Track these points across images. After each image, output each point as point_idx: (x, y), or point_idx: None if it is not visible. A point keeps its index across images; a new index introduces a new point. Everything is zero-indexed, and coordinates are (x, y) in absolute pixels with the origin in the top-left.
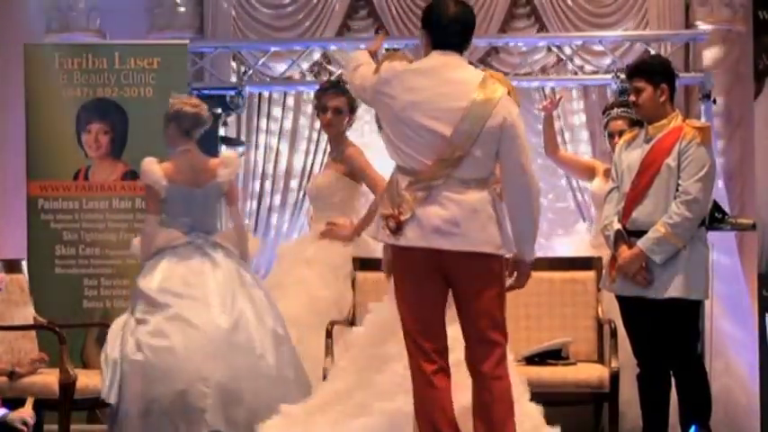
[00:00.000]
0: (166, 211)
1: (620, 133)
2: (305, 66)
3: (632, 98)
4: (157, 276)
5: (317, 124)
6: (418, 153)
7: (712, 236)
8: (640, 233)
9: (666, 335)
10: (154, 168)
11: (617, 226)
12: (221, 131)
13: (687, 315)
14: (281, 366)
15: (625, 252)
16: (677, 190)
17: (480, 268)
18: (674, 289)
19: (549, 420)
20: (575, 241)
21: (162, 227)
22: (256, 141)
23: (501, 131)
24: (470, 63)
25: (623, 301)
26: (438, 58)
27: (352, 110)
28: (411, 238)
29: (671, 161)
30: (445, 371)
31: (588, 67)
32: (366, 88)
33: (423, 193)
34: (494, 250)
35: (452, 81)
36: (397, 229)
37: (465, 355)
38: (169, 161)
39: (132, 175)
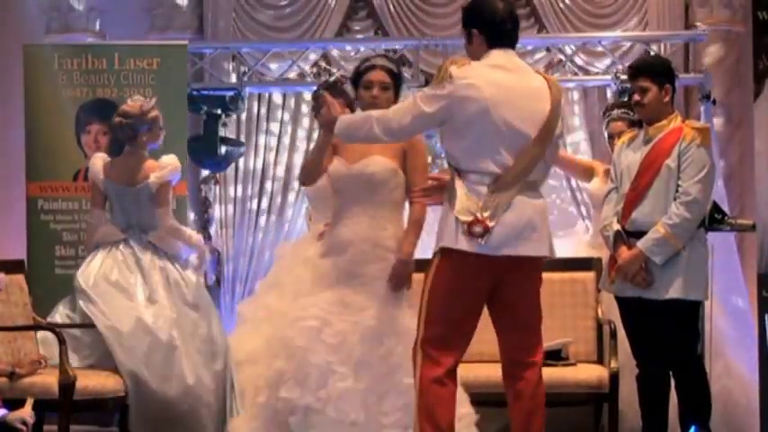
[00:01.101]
0: (108, 208)
1: (620, 134)
2: (304, 66)
3: (637, 98)
4: (89, 270)
5: (317, 125)
6: (501, 154)
7: (712, 236)
8: (640, 234)
9: (666, 336)
10: (96, 163)
11: (616, 227)
12: (221, 132)
13: (687, 316)
14: (196, 366)
15: (625, 253)
16: (677, 191)
17: (539, 273)
18: (674, 290)
19: (550, 421)
20: (574, 242)
21: (107, 222)
22: (256, 142)
23: (560, 136)
24: None
25: (622, 301)
26: (504, 57)
27: (351, 111)
28: (496, 245)
29: (671, 162)
30: (455, 375)
31: (588, 68)
32: (428, 108)
33: (506, 196)
34: (553, 254)
35: (530, 81)
36: (484, 234)
37: (507, 363)
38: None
39: None
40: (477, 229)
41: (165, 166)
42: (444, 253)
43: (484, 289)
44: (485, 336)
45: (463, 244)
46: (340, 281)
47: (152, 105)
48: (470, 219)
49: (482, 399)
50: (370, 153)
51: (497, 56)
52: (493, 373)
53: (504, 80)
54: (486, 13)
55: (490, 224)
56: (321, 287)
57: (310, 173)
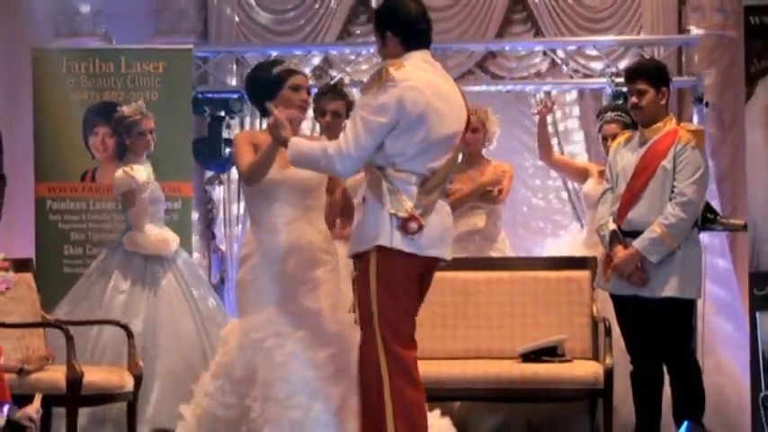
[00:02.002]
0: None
1: (614, 136)
2: (306, 70)
3: (634, 100)
4: None
5: (318, 127)
6: (433, 156)
7: (705, 236)
8: (636, 233)
9: (661, 333)
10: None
11: (612, 226)
12: (224, 134)
13: (681, 313)
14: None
15: (621, 252)
16: (672, 191)
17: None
18: (670, 288)
19: (546, 416)
20: (569, 241)
21: None
22: None
23: None
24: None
25: (618, 299)
26: (424, 57)
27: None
28: (425, 245)
29: (666, 163)
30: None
31: (583, 71)
32: (384, 118)
33: (432, 198)
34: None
35: (452, 84)
36: (418, 230)
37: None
38: None
39: None
40: (413, 225)
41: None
42: (380, 252)
43: (419, 284)
44: (475, 332)
45: (398, 242)
46: (288, 289)
47: (131, 111)
48: (406, 215)
49: (474, 394)
50: None
51: (419, 57)
52: (483, 368)
53: (435, 82)
54: (400, 14)
55: (423, 222)
56: (269, 300)
57: (260, 175)
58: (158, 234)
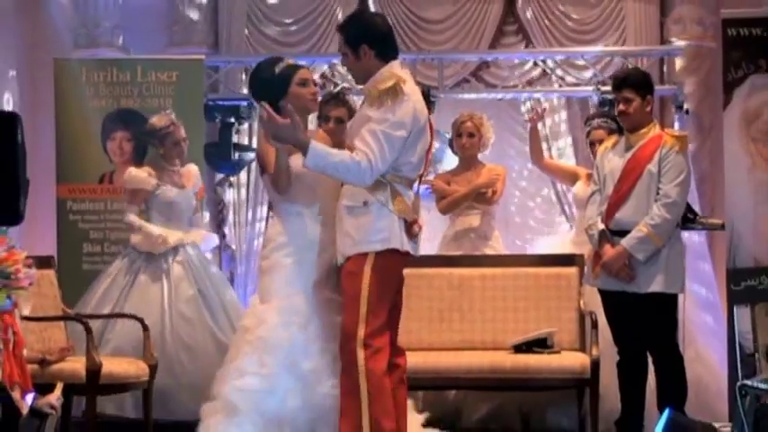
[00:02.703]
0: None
1: (601, 141)
2: None
3: (622, 107)
4: None
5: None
6: (422, 162)
7: (685, 235)
8: (623, 233)
9: (647, 326)
10: None
11: (601, 226)
12: (234, 139)
13: (666, 307)
14: None
15: (609, 250)
16: (657, 193)
17: None
18: (656, 284)
19: (536, 403)
20: (558, 240)
21: None
22: None
23: None
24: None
25: (606, 294)
26: (400, 67)
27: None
28: (418, 247)
29: (652, 167)
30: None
31: (571, 80)
32: (403, 132)
33: (418, 200)
34: None
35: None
36: (418, 233)
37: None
38: None
39: None
40: (416, 228)
41: None
42: (385, 252)
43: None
44: (470, 325)
45: (406, 245)
46: (321, 280)
47: (164, 122)
48: (412, 219)
49: (469, 383)
50: None
51: (398, 67)
52: (477, 359)
53: (418, 92)
54: (374, 28)
55: (421, 223)
56: (297, 288)
57: (284, 183)
58: (151, 232)
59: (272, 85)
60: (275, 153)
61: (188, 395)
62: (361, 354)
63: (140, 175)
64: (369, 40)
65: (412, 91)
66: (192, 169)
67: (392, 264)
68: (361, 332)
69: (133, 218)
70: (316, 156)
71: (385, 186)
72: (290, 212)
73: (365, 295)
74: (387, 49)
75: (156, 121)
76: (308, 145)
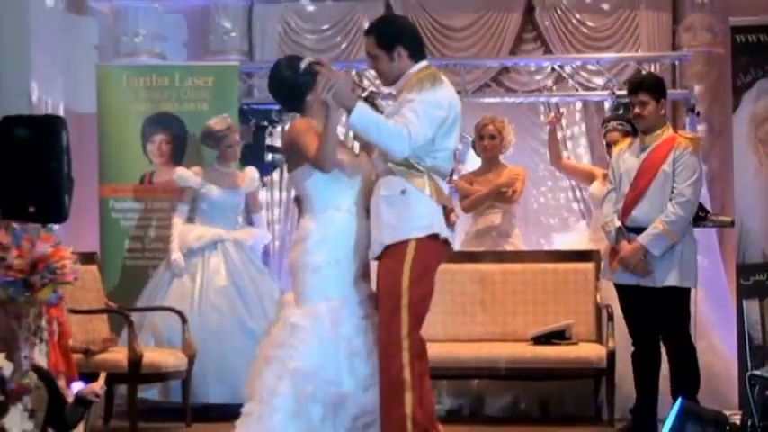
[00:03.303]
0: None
1: (616, 143)
2: None
3: (637, 110)
4: None
5: (351, 133)
6: (452, 155)
7: (696, 231)
8: (639, 230)
9: (661, 318)
10: None
11: (617, 223)
12: (268, 141)
13: (680, 300)
14: None
15: (627, 246)
16: (672, 192)
17: None
18: (670, 278)
19: (555, 392)
20: (575, 237)
21: None
22: None
23: None
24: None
25: (622, 288)
26: (432, 67)
27: None
28: (453, 238)
29: (666, 167)
30: None
31: (587, 85)
32: (442, 112)
33: (450, 198)
34: None
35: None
36: (454, 224)
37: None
38: None
39: None
40: (453, 217)
41: None
42: (422, 241)
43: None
44: (492, 318)
45: (445, 232)
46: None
47: (222, 126)
48: (450, 207)
49: (491, 373)
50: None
51: (427, 65)
52: (499, 350)
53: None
54: (406, 30)
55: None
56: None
57: (332, 155)
58: (187, 230)
59: (299, 80)
60: (327, 117)
61: (214, 379)
62: (405, 345)
63: (186, 173)
64: (404, 41)
65: (447, 82)
66: (249, 172)
67: (433, 249)
68: (405, 328)
69: (176, 220)
70: (362, 113)
71: (422, 174)
72: (328, 207)
73: (406, 284)
74: (418, 51)
75: (214, 123)
76: (355, 101)
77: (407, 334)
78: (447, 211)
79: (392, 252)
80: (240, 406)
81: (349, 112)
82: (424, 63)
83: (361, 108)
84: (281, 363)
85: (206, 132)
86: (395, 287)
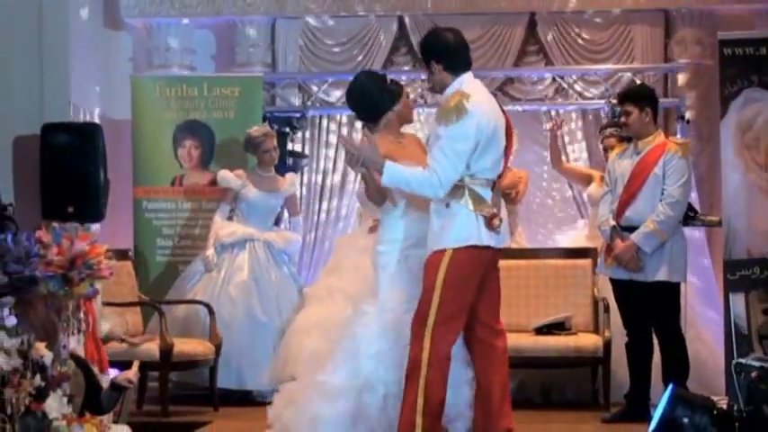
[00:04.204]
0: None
1: (612, 147)
2: None
3: (623, 119)
4: None
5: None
6: (499, 164)
7: (686, 230)
8: (632, 228)
9: (653, 310)
10: None
11: (612, 222)
12: (289, 146)
13: (670, 294)
14: None
15: (620, 244)
16: (662, 194)
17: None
18: (661, 273)
19: (555, 379)
20: (574, 235)
21: None
22: (317, 154)
23: None
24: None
25: (617, 283)
26: (473, 80)
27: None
28: (502, 237)
29: (657, 170)
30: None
31: (586, 94)
32: (465, 146)
33: (499, 196)
34: None
35: (489, 94)
36: (500, 224)
37: (480, 334)
38: None
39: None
40: (497, 221)
41: None
42: (463, 249)
43: (481, 280)
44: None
45: (485, 238)
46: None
47: (259, 133)
48: (491, 213)
49: None
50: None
51: (470, 80)
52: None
53: (487, 98)
54: (440, 44)
55: (501, 216)
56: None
57: (381, 199)
58: (222, 226)
59: (383, 97)
60: (365, 176)
61: (225, 366)
62: (428, 340)
63: (228, 175)
64: (436, 56)
65: (479, 103)
66: (289, 177)
67: (470, 258)
68: (431, 320)
69: (216, 218)
70: (391, 174)
71: (463, 190)
72: (396, 214)
73: (439, 286)
74: (455, 63)
75: (253, 131)
76: (383, 165)
77: (434, 328)
78: (489, 217)
79: (434, 258)
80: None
81: (381, 173)
82: (464, 76)
83: (389, 168)
84: (343, 349)
85: (247, 139)
86: (428, 288)
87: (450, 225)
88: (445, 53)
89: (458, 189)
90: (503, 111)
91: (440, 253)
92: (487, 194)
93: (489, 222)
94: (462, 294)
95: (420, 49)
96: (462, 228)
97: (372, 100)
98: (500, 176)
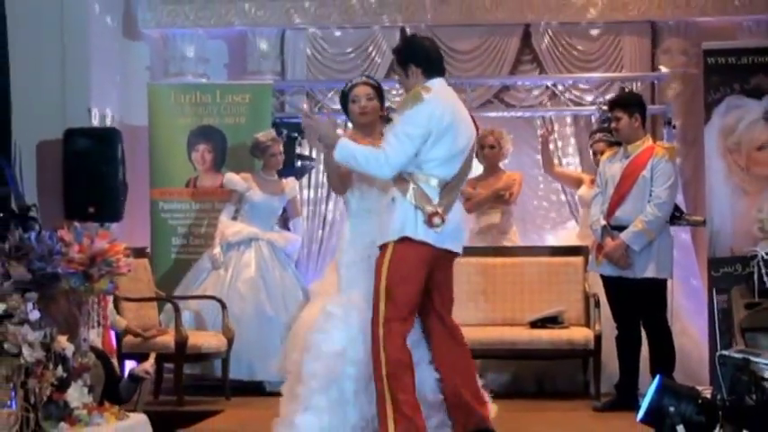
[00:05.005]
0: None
1: (603, 152)
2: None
3: (613, 125)
4: None
5: None
6: (454, 162)
7: (672, 229)
8: (621, 228)
9: (641, 305)
10: None
11: (603, 222)
12: (297, 150)
13: (657, 290)
14: None
15: (610, 242)
16: (650, 195)
17: (452, 265)
18: (649, 270)
19: (548, 371)
20: (566, 234)
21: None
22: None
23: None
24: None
25: (607, 279)
26: (443, 84)
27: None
28: (442, 238)
29: (646, 173)
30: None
31: (577, 101)
32: (416, 130)
33: (450, 198)
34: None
35: (462, 104)
36: (441, 224)
37: (435, 334)
38: None
39: None
40: (437, 220)
41: None
42: (400, 241)
43: (427, 273)
44: (492, 305)
45: (422, 234)
46: None
47: (266, 138)
48: (432, 210)
49: (492, 353)
50: None
51: (440, 83)
52: (499, 333)
53: (454, 104)
54: (420, 49)
55: (445, 217)
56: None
57: (335, 186)
58: (227, 225)
59: (341, 100)
60: (324, 158)
61: (235, 358)
62: (380, 333)
63: (235, 178)
64: (415, 60)
65: (437, 96)
66: (290, 182)
67: (406, 251)
68: (381, 315)
69: (222, 218)
70: (342, 148)
71: (407, 182)
72: (358, 212)
73: (383, 282)
74: (431, 69)
75: (261, 136)
76: (337, 140)
77: (385, 322)
78: (430, 214)
79: (380, 253)
80: (255, 383)
81: (334, 147)
82: (436, 80)
83: (342, 144)
84: (316, 346)
85: (254, 143)
86: (377, 285)
87: (391, 219)
88: (425, 58)
89: (403, 182)
90: (475, 124)
91: (384, 247)
92: (434, 193)
93: (429, 219)
94: (406, 284)
95: (399, 52)
96: (399, 219)
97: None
98: (457, 180)
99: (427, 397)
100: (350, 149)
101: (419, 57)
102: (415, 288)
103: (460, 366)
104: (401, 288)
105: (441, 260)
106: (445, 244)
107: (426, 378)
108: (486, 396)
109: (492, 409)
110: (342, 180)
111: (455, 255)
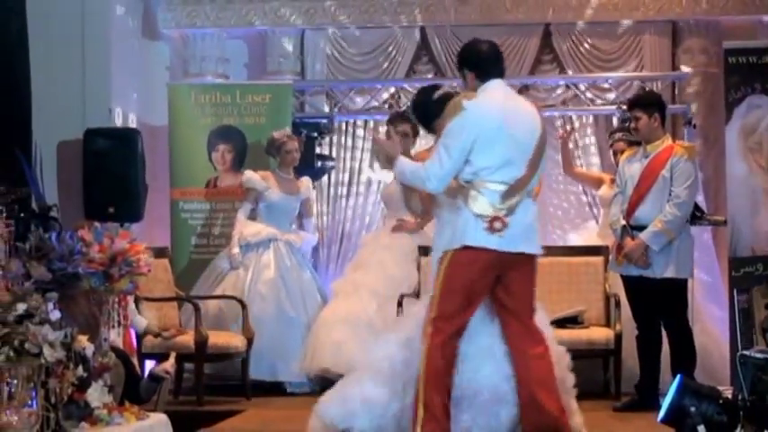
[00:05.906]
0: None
1: (622, 151)
2: (381, 98)
3: (632, 125)
4: None
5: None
6: (514, 165)
7: (693, 229)
8: (641, 227)
9: (662, 305)
10: None
11: (623, 222)
12: (317, 150)
13: (678, 290)
14: None
15: (630, 242)
16: (670, 194)
17: (534, 267)
18: (669, 270)
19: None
20: (586, 234)
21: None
22: (344, 157)
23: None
24: None
25: (627, 279)
26: (498, 85)
27: (416, 134)
28: (508, 241)
29: (665, 172)
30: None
31: (597, 100)
32: (458, 143)
33: (515, 200)
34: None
35: (524, 104)
36: (503, 228)
37: (511, 334)
38: None
39: None
40: (498, 224)
41: None
42: (463, 249)
43: (492, 279)
44: None
45: (482, 240)
46: None
47: (281, 135)
48: (491, 216)
49: None
50: None
51: (493, 86)
52: None
53: (506, 103)
54: (472, 55)
55: (507, 220)
56: None
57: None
58: (246, 225)
59: (430, 107)
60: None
61: (256, 358)
62: (428, 330)
63: (254, 177)
64: (468, 65)
65: (481, 102)
66: (305, 181)
67: (467, 259)
68: (430, 317)
69: (240, 216)
70: (399, 167)
71: (467, 190)
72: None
73: (438, 286)
74: (484, 72)
75: (276, 134)
76: (396, 158)
77: (432, 324)
78: (490, 220)
79: (440, 259)
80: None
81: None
82: (489, 83)
83: (397, 162)
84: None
85: (269, 141)
86: (434, 288)
87: (452, 226)
88: (476, 63)
89: (464, 190)
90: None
91: (444, 254)
92: (493, 197)
93: (490, 224)
94: (462, 295)
95: (457, 58)
96: (459, 229)
97: (423, 112)
98: (521, 182)
99: (481, 391)
100: (402, 167)
101: (470, 62)
102: (466, 299)
103: (536, 367)
104: (449, 297)
105: (512, 263)
106: (515, 247)
107: (480, 369)
108: (573, 405)
109: (577, 421)
110: (422, 199)
111: (531, 256)
